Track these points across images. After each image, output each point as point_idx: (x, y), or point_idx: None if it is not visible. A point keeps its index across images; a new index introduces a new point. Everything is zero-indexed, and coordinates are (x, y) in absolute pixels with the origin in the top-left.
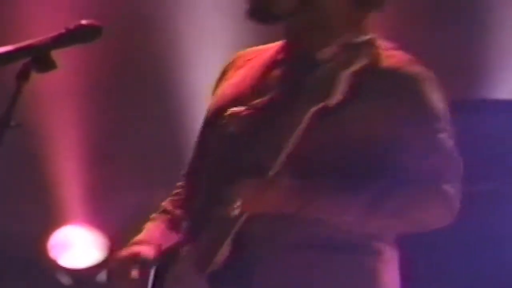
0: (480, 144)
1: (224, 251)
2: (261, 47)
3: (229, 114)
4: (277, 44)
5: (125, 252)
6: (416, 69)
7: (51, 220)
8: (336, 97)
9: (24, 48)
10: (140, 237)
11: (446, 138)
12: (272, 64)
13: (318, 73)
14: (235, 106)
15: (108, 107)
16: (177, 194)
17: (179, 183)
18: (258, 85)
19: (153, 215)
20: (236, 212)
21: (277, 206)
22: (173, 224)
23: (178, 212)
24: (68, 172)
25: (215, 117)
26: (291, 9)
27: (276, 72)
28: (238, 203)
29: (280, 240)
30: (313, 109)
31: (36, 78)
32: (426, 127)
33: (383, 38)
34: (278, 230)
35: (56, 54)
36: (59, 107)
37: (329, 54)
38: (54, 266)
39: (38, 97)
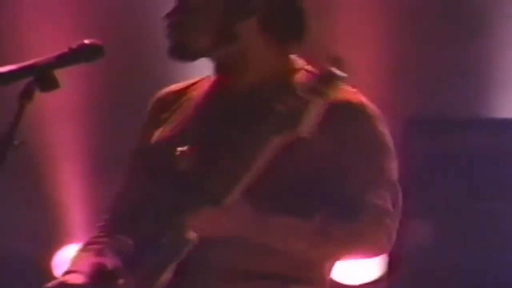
0: (487, 163)
1: (166, 277)
2: (186, 82)
3: (180, 153)
4: (205, 78)
5: (51, 283)
6: (362, 100)
7: (54, 238)
8: (310, 128)
9: (27, 67)
10: (67, 268)
11: (392, 170)
12: (209, 98)
13: (285, 102)
14: (183, 143)
15: (111, 125)
16: (102, 231)
17: (102, 224)
18: (202, 122)
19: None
20: (187, 238)
21: (230, 231)
22: (102, 253)
23: (106, 240)
24: (71, 190)
25: (161, 155)
26: (209, 46)
27: (217, 106)
28: (189, 230)
29: (227, 268)
30: (280, 138)
31: (40, 97)
32: (372, 158)
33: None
34: (226, 258)
35: (59, 73)
36: (62, 125)
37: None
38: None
39: (41, 116)
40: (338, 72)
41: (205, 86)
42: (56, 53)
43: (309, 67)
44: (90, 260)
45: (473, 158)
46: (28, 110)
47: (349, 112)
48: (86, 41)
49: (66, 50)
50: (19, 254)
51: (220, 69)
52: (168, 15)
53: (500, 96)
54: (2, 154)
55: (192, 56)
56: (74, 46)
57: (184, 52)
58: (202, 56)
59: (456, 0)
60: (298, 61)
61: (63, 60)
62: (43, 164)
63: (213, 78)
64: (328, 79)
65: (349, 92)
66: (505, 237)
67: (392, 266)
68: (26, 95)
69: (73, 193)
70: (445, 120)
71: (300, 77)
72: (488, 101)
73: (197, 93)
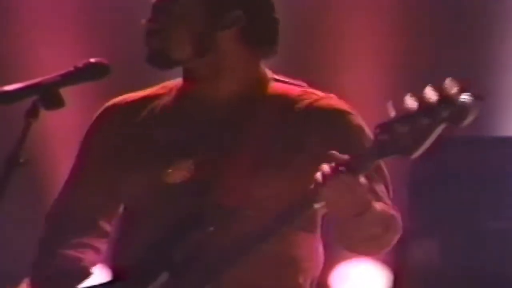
0: (493, 181)
1: None
2: (139, 94)
3: (179, 168)
4: (165, 87)
5: None
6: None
7: None
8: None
9: (32, 85)
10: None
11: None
12: (194, 112)
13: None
14: (178, 157)
15: None
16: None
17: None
18: (189, 134)
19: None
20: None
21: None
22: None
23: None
24: None
25: (148, 168)
26: (189, 54)
27: (204, 118)
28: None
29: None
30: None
31: (45, 115)
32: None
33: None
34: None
35: (65, 92)
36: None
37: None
38: None
39: (46, 134)
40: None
41: (173, 95)
42: (62, 71)
43: (279, 77)
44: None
45: (479, 176)
46: (33, 128)
47: (342, 117)
48: (92, 60)
49: (71, 68)
50: (20, 274)
51: (195, 77)
52: (149, 22)
53: (505, 115)
54: (7, 172)
55: (172, 63)
56: (79, 64)
57: (164, 59)
58: (181, 64)
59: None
60: (267, 71)
61: (68, 78)
62: (48, 182)
63: (178, 87)
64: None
65: (333, 99)
66: (511, 255)
67: (397, 283)
68: (32, 113)
69: None
70: (450, 137)
71: (274, 86)
72: (493, 119)
73: (167, 104)
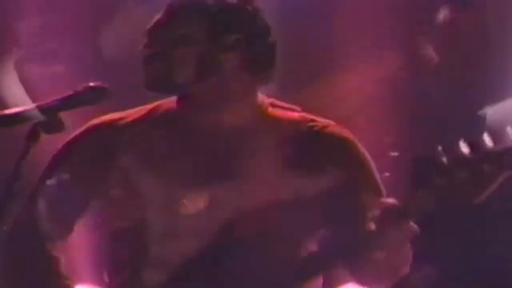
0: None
1: None
2: (125, 114)
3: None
4: (154, 108)
5: None
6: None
7: None
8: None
9: (32, 109)
10: None
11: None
12: (196, 138)
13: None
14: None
15: None
16: None
17: None
18: (199, 164)
19: None
20: None
21: None
22: None
23: None
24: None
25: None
26: (192, 77)
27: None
28: None
29: None
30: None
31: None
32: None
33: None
34: None
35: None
36: None
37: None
38: None
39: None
40: None
41: (166, 121)
42: (62, 95)
43: (277, 102)
44: None
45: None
46: (33, 152)
47: (354, 146)
48: (91, 84)
49: (71, 92)
50: None
51: (197, 103)
52: (147, 47)
53: None
54: (7, 196)
55: (175, 88)
56: (79, 88)
57: (167, 84)
58: (184, 88)
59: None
60: (264, 96)
61: (68, 102)
62: None
63: (169, 111)
64: None
65: (338, 127)
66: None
67: None
68: (32, 137)
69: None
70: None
71: (273, 112)
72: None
73: (163, 131)
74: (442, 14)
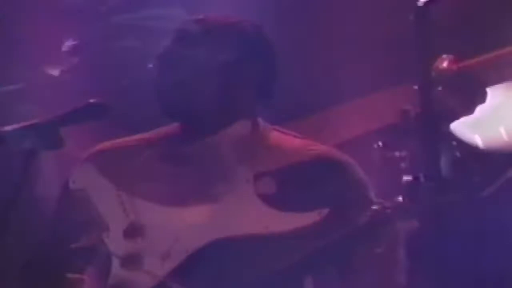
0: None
1: None
2: (128, 140)
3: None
4: (155, 135)
5: None
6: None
7: None
8: None
9: (32, 126)
10: None
11: None
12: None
13: None
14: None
15: None
16: None
17: None
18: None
19: None
20: None
21: None
22: None
23: None
24: None
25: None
26: (211, 108)
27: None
28: None
29: None
30: None
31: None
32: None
33: None
34: None
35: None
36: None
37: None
38: None
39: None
40: None
41: (168, 140)
42: (61, 112)
43: (277, 127)
44: None
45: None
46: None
47: (355, 169)
48: (91, 100)
49: (71, 109)
50: None
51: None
52: (162, 73)
53: None
54: (7, 213)
55: (193, 116)
56: (79, 105)
57: (185, 112)
58: (203, 117)
59: None
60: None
61: (68, 119)
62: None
63: (168, 132)
64: None
65: (338, 151)
66: None
67: None
68: (31, 153)
69: None
70: None
71: (275, 136)
72: None
73: (164, 149)
74: None
